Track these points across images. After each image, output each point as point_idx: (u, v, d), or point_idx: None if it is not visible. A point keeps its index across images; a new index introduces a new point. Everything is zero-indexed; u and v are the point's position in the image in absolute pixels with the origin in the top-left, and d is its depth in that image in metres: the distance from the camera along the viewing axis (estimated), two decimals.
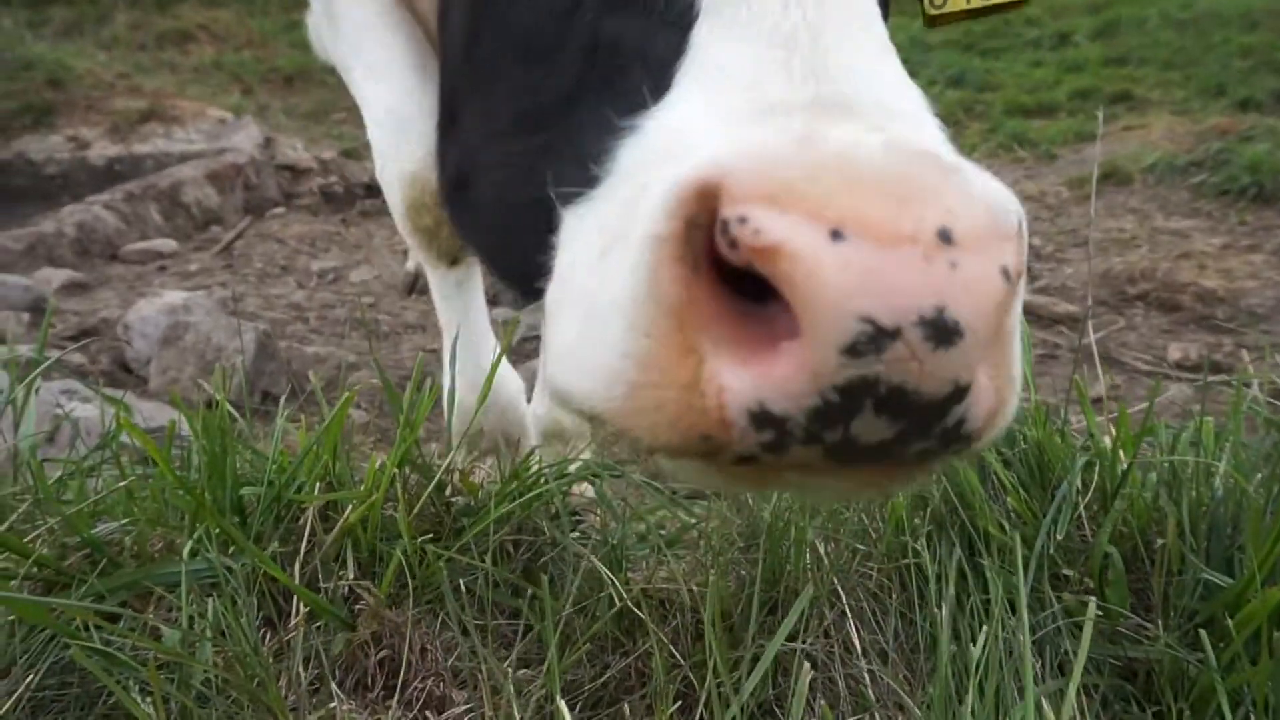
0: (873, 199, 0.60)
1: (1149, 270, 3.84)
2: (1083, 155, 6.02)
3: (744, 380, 0.62)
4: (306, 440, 1.10)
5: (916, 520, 1.11)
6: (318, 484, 1.05)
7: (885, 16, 1.20)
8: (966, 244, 0.60)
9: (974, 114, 7.55)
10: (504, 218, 0.95)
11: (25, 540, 0.94)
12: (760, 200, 0.60)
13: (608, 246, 0.71)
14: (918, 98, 0.76)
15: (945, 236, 0.60)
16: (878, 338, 0.59)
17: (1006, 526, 1.09)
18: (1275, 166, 4.47)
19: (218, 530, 0.98)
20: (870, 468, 0.68)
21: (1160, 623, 1.03)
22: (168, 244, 4.64)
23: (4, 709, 0.79)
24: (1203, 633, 0.95)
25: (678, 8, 0.81)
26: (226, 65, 9.08)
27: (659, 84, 0.78)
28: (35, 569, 0.92)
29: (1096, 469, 1.14)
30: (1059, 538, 1.07)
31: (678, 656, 0.96)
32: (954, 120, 7.36)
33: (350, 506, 1.02)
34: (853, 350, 0.59)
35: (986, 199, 0.64)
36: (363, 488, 1.04)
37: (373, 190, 6.08)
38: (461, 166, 1.08)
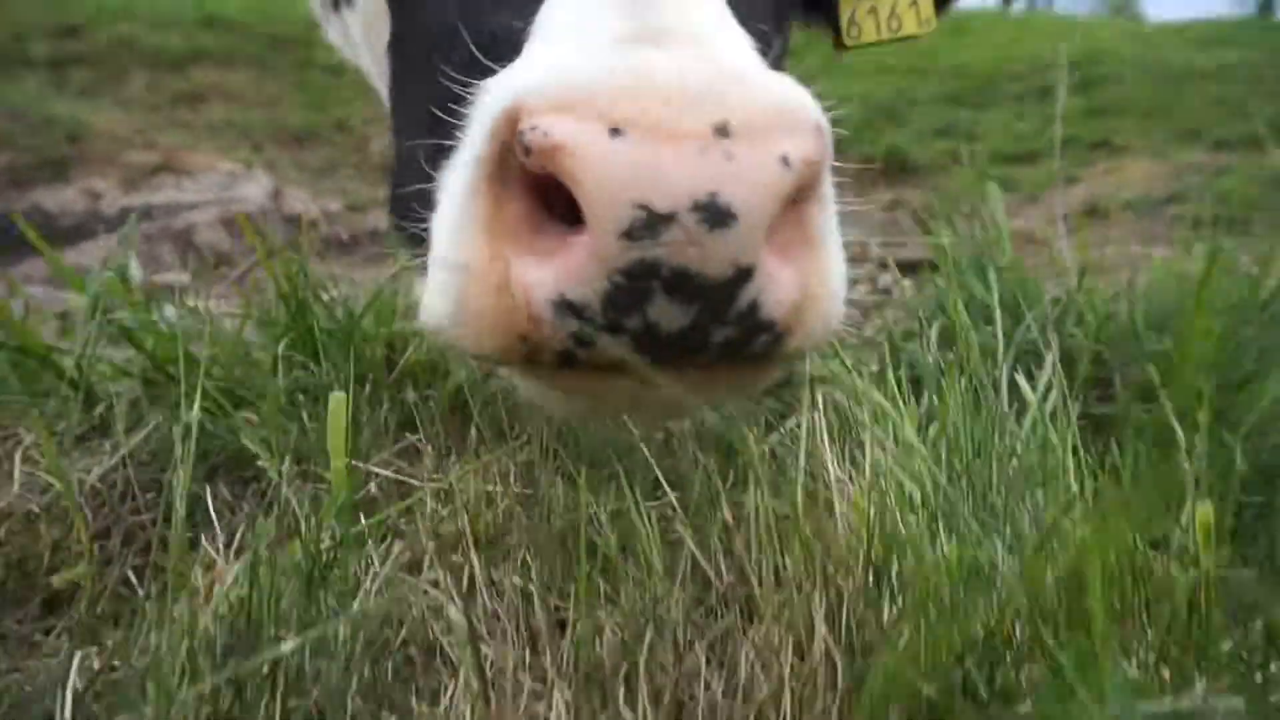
0: (656, 101, 0.67)
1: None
2: (1065, 196, 6.23)
3: (544, 274, 0.69)
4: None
5: None
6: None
7: (783, 34, 1.35)
8: (742, 136, 0.66)
9: (962, 162, 7.80)
10: (421, 199, 1.07)
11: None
12: (550, 110, 0.68)
13: (450, 185, 0.78)
14: (738, 35, 0.83)
15: (722, 130, 0.66)
16: (654, 223, 0.65)
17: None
18: (1245, 197, 4.65)
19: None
20: (692, 368, 0.73)
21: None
22: (180, 279, 4.81)
23: None
24: None
25: None
26: (238, 123, 9.40)
27: (519, 52, 0.86)
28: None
29: None
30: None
31: None
32: (942, 166, 7.61)
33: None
34: (630, 234, 0.65)
35: (772, 98, 0.70)
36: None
37: (376, 238, 6.27)
38: (397, 181, 1.21)
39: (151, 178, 7.08)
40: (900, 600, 0.82)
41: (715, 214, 0.65)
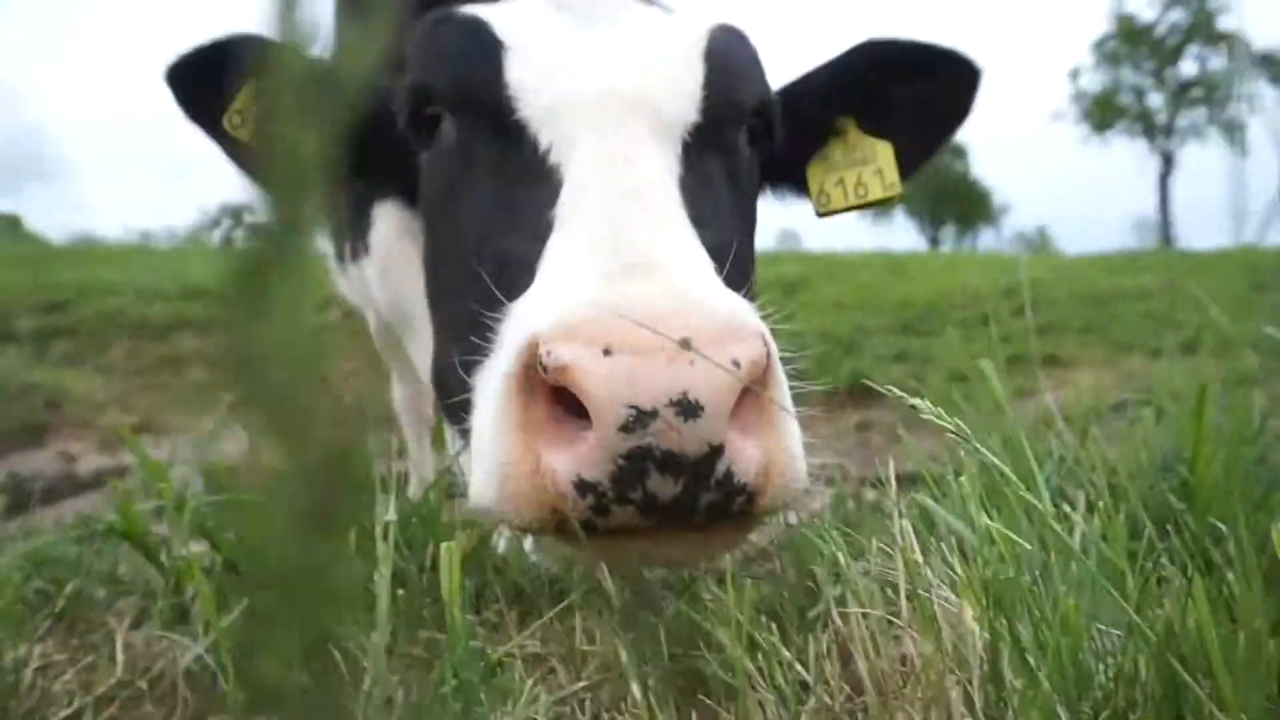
0: (634, 326, 0.91)
1: None
2: (1021, 407, 6.51)
3: (565, 461, 0.92)
4: None
5: None
6: None
7: (749, 220, 1.61)
8: (701, 347, 0.90)
9: (923, 383, 8.18)
10: (462, 395, 1.27)
11: None
12: (558, 340, 0.93)
13: (488, 391, 1.03)
14: (699, 262, 1.12)
15: (686, 344, 0.90)
16: (642, 417, 0.88)
17: None
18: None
19: None
20: (688, 531, 0.95)
21: None
22: None
23: None
24: None
25: (539, 227, 1.23)
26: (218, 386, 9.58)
27: (530, 279, 1.16)
28: None
29: None
30: None
31: None
32: (904, 389, 7.95)
33: None
34: (626, 428, 0.88)
35: (721, 315, 0.96)
36: None
37: None
38: (438, 379, 1.52)
39: (132, 435, 7.09)
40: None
41: (687, 407, 0.89)
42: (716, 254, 1.29)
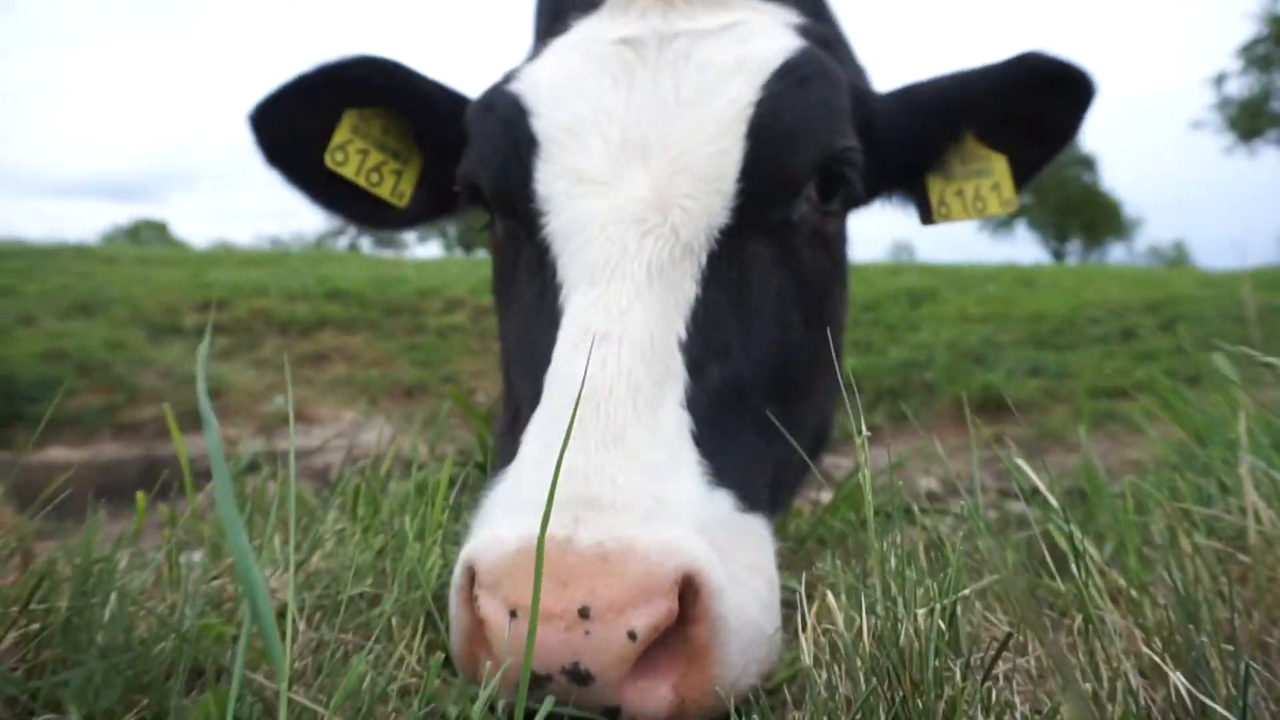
0: (556, 587, 0.95)
1: None
2: (1170, 427, 6.19)
3: (496, 684, 0.95)
4: None
5: None
6: None
7: (820, 284, 1.52)
8: (599, 616, 0.93)
9: (1057, 398, 7.87)
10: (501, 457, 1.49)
11: None
12: (484, 587, 1.02)
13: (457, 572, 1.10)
14: (647, 490, 1.09)
15: (584, 613, 0.93)
16: (539, 679, 0.95)
17: None
18: None
19: None
20: None
21: None
22: None
23: None
24: None
25: (541, 373, 1.28)
26: (356, 380, 10.11)
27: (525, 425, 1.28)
28: None
29: None
30: None
31: None
32: (1038, 405, 7.69)
33: None
34: (545, 677, 0.95)
35: (631, 581, 0.95)
36: None
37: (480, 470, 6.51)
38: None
39: (283, 426, 7.59)
40: None
41: (578, 675, 0.93)
42: (751, 366, 1.32)
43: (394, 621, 1.09)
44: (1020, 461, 1.28)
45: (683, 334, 1.26)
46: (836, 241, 1.59)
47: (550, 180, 1.38)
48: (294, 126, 1.75)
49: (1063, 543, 1.19)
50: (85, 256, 13.33)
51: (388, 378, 10.38)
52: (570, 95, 1.40)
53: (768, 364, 1.36)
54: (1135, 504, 1.43)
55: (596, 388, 1.15)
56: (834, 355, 1.44)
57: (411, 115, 1.82)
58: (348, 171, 1.79)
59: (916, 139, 1.67)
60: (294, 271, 14.03)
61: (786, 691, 1.00)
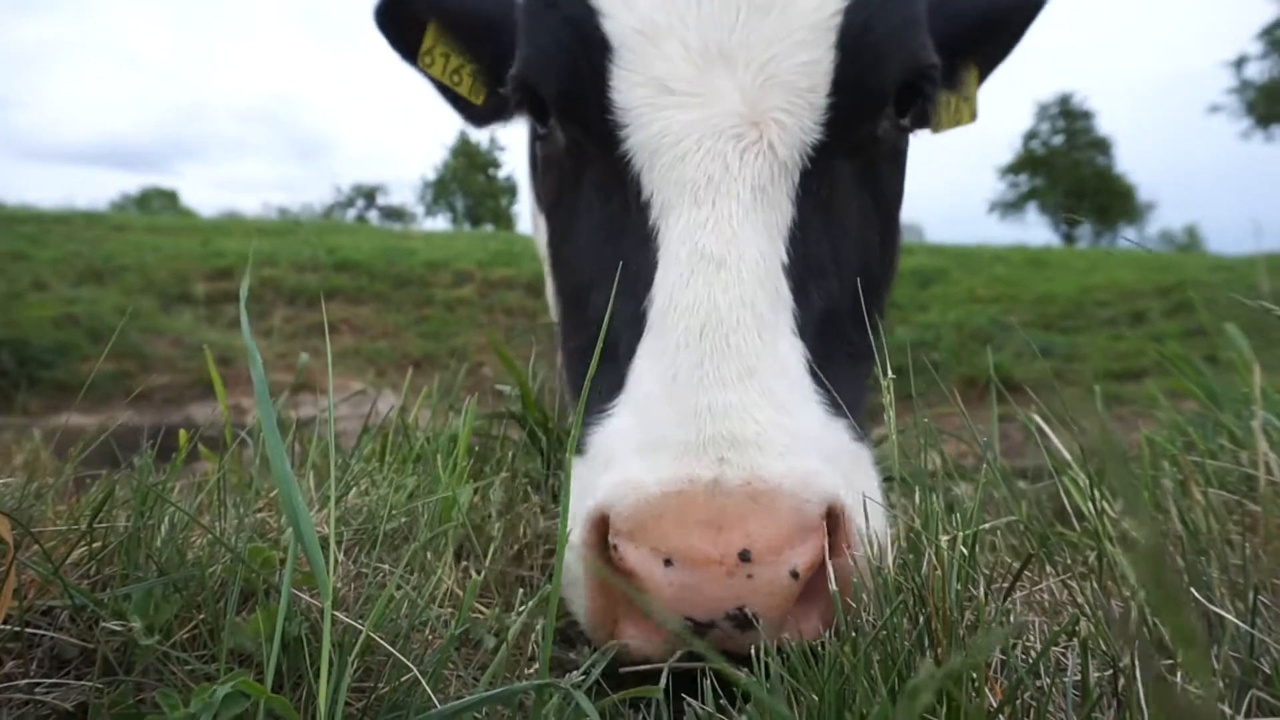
0: (693, 534, 0.93)
1: None
2: (1181, 406, 6.21)
3: (637, 638, 0.98)
4: None
5: None
6: None
7: (891, 206, 1.48)
8: (760, 559, 0.91)
9: (1065, 379, 7.89)
10: (574, 387, 1.41)
11: None
12: (624, 535, 0.97)
13: (572, 526, 1.07)
14: (783, 420, 1.05)
15: (744, 556, 0.91)
16: (700, 628, 0.92)
17: None
18: None
19: None
20: None
21: None
22: None
23: None
24: None
25: (639, 292, 1.21)
26: (364, 351, 10.16)
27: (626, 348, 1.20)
28: None
29: None
30: None
31: None
32: (1048, 385, 7.71)
33: None
34: (700, 627, 0.92)
35: (786, 522, 0.94)
36: None
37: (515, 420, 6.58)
38: (564, 361, 1.54)
39: (292, 395, 7.64)
40: None
41: (742, 620, 0.91)
42: (843, 290, 1.31)
43: (428, 555, 1.13)
44: (1036, 417, 1.31)
45: (785, 258, 1.21)
46: (905, 157, 1.54)
47: (629, 89, 1.28)
48: (400, 34, 1.91)
49: (1077, 497, 1.22)
50: (96, 223, 13.36)
51: (396, 350, 10.46)
52: None
53: (854, 284, 1.32)
54: (1149, 463, 1.46)
55: (722, 318, 1.10)
56: (895, 273, 1.45)
57: (456, 28, 1.91)
58: (435, 72, 1.90)
59: (945, 51, 1.62)
60: (303, 242, 14.05)
61: None
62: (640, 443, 1.05)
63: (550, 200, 1.54)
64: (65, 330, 8.41)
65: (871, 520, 1.01)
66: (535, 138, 1.61)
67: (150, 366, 8.22)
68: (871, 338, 1.28)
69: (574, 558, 1.04)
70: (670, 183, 1.24)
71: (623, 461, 1.04)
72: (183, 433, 1.41)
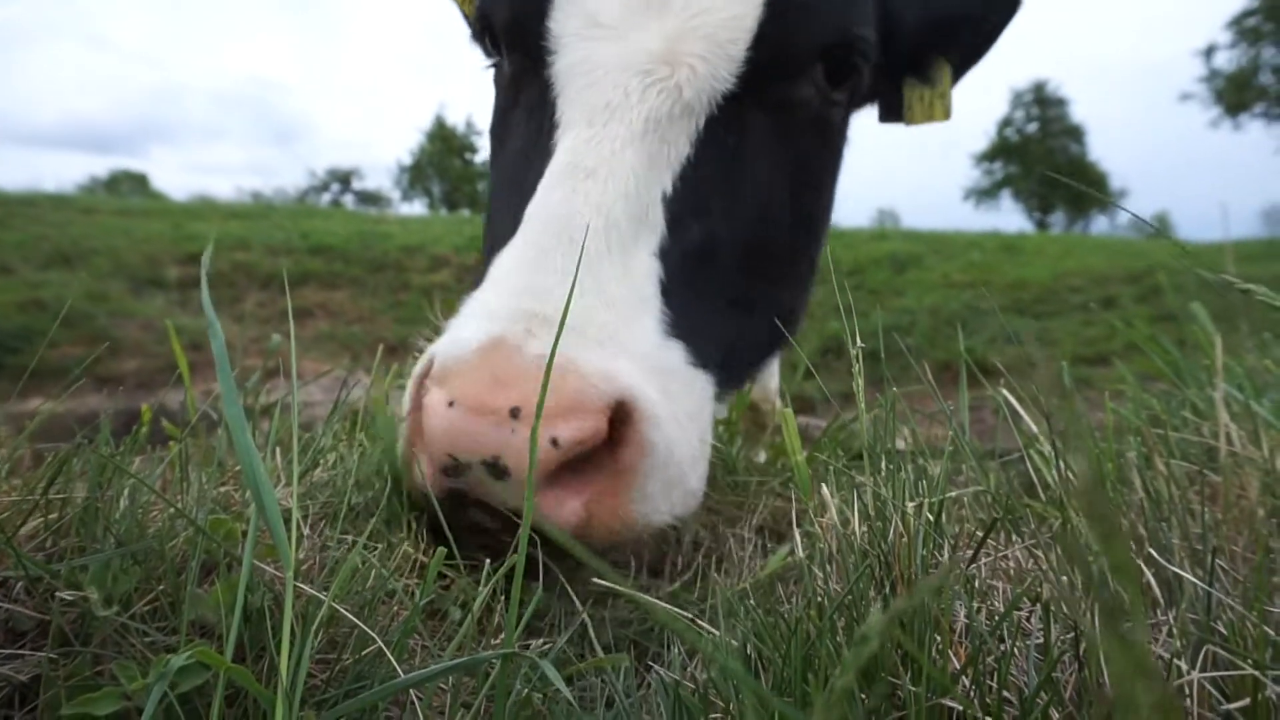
0: (481, 385, 1.02)
1: None
2: (1150, 387, 6.30)
3: (420, 473, 1.07)
4: None
5: None
6: None
7: (815, 171, 1.53)
8: (527, 419, 0.98)
9: (1037, 364, 7.98)
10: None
11: None
12: (433, 381, 1.07)
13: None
14: (600, 319, 1.14)
15: (515, 413, 0.99)
16: (458, 467, 1.01)
17: None
18: None
19: None
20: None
21: None
22: None
23: None
24: None
25: (522, 206, 1.31)
26: (339, 336, 10.07)
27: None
28: None
29: None
30: None
31: None
32: (1017, 369, 7.78)
33: None
34: (445, 471, 1.03)
35: (563, 393, 1.01)
36: None
37: None
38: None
39: (266, 381, 7.56)
40: None
41: (497, 469, 0.99)
42: (732, 234, 1.35)
43: (391, 527, 1.12)
44: (1006, 393, 1.31)
45: (669, 189, 1.29)
46: (837, 133, 1.59)
47: (564, 20, 1.38)
48: None
49: (1044, 469, 1.23)
50: (64, 206, 13.11)
51: (370, 335, 10.36)
52: None
53: (747, 236, 1.38)
54: (1115, 437, 1.47)
55: (574, 219, 1.20)
56: (814, 250, 1.48)
57: None
58: (465, 7, 1.97)
59: (921, 43, 1.70)
60: (277, 226, 13.87)
61: (779, 586, 1.04)
62: (474, 313, 1.16)
63: (492, 124, 1.67)
64: (31, 315, 8.27)
65: (679, 435, 1.10)
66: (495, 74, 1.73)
67: (120, 351, 8.10)
68: (784, 296, 1.39)
69: (406, 393, 1.16)
70: (575, 106, 1.33)
71: (456, 327, 1.16)
72: (145, 407, 1.39)
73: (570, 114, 1.33)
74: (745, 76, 1.34)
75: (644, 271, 1.22)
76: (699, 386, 1.22)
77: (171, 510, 0.92)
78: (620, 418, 1.05)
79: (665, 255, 1.24)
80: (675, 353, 1.19)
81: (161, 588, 0.83)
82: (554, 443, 0.98)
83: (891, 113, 1.78)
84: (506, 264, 1.22)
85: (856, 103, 1.66)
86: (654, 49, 1.32)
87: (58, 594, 0.76)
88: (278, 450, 1.30)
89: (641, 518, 1.07)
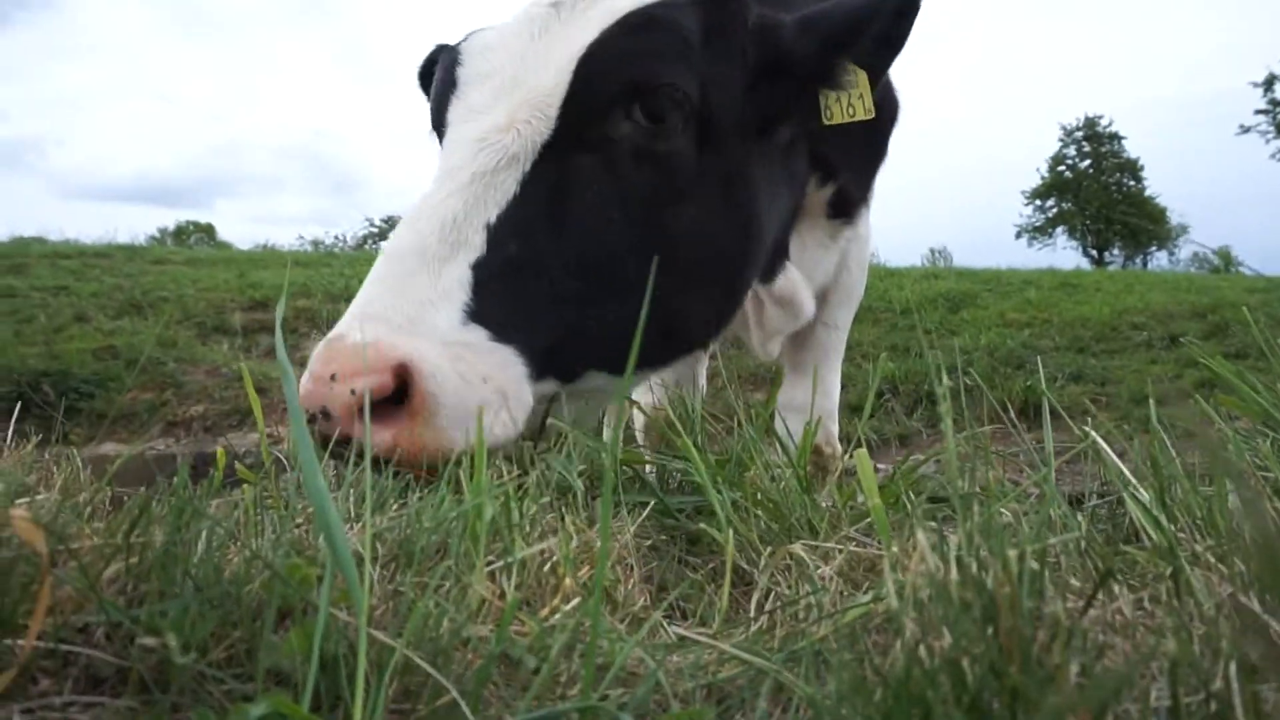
0: (319, 364, 1.50)
1: None
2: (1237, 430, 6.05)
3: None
4: None
5: None
6: None
7: (640, 197, 1.84)
8: (339, 380, 1.45)
9: (1100, 405, 7.73)
10: None
11: None
12: (311, 360, 1.53)
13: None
14: (398, 313, 1.57)
15: (333, 378, 1.46)
16: (313, 415, 1.46)
17: None
18: None
19: None
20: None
21: None
22: None
23: None
24: None
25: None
26: None
27: None
28: None
29: None
30: None
31: None
32: (1082, 410, 7.55)
33: None
34: (311, 420, 1.46)
35: (357, 362, 1.45)
36: None
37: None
38: None
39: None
40: None
41: (326, 414, 1.46)
42: (558, 250, 1.71)
43: (461, 569, 1.10)
44: (1092, 432, 1.26)
45: (492, 219, 1.68)
46: (675, 161, 1.85)
47: (452, 111, 1.88)
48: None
49: (1141, 515, 1.17)
50: (137, 257, 13.62)
51: None
52: (494, 48, 1.89)
53: (578, 247, 1.73)
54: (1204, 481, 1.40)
55: (399, 248, 1.65)
56: (686, 255, 1.82)
57: None
58: None
59: (815, 60, 1.98)
60: (337, 273, 14.20)
61: (865, 638, 0.99)
62: (343, 320, 1.59)
63: None
64: (105, 361, 8.54)
65: (464, 388, 1.52)
66: None
67: (187, 396, 8.31)
68: (641, 299, 1.65)
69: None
70: (438, 170, 1.80)
71: (334, 330, 1.59)
72: (220, 450, 1.45)
73: (434, 176, 1.79)
74: (560, 128, 1.75)
75: (455, 278, 1.61)
76: (499, 356, 1.59)
77: (247, 553, 0.92)
78: (407, 376, 1.47)
79: (481, 267, 1.63)
80: (476, 333, 1.58)
81: (238, 634, 0.82)
82: (352, 392, 1.43)
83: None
84: (364, 285, 1.64)
85: (780, 120, 2.03)
86: (499, 122, 1.76)
87: (138, 640, 0.76)
88: (351, 493, 1.30)
89: (433, 443, 1.48)
